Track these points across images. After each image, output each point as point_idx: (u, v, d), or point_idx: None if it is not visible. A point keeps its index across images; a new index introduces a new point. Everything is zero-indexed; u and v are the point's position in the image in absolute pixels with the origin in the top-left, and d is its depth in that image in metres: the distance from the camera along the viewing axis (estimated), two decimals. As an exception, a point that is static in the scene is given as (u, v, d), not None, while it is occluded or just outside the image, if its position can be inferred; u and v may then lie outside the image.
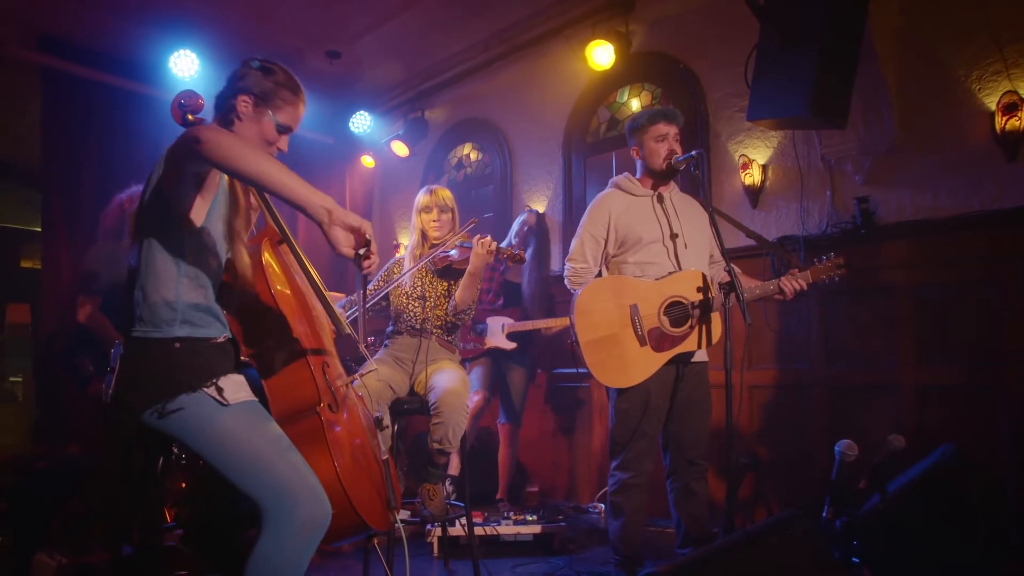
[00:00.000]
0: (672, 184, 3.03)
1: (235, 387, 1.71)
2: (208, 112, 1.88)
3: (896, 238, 3.45)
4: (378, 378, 2.83)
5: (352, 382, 2.04)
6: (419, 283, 3.09)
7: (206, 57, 4.91)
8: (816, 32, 2.88)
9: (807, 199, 3.79)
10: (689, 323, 2.71)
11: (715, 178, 4.20)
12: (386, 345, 3.12)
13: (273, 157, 1.64)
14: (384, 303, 3.11)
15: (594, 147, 4.94)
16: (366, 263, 1.61)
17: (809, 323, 3.72)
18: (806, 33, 2.91)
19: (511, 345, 4.14)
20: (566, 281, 2.99)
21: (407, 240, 3.36)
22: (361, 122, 5.93)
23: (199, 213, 1.76)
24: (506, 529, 3.66)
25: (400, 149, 5.82)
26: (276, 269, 1.90)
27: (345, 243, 1.57)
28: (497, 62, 5.34)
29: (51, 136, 4.79)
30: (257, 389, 1.83)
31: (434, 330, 3.03)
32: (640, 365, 2.71)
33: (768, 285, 2.77)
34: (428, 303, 3.04)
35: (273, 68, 1.88)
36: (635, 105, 4.75)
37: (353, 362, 3.23)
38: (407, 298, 3.07)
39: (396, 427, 2.91)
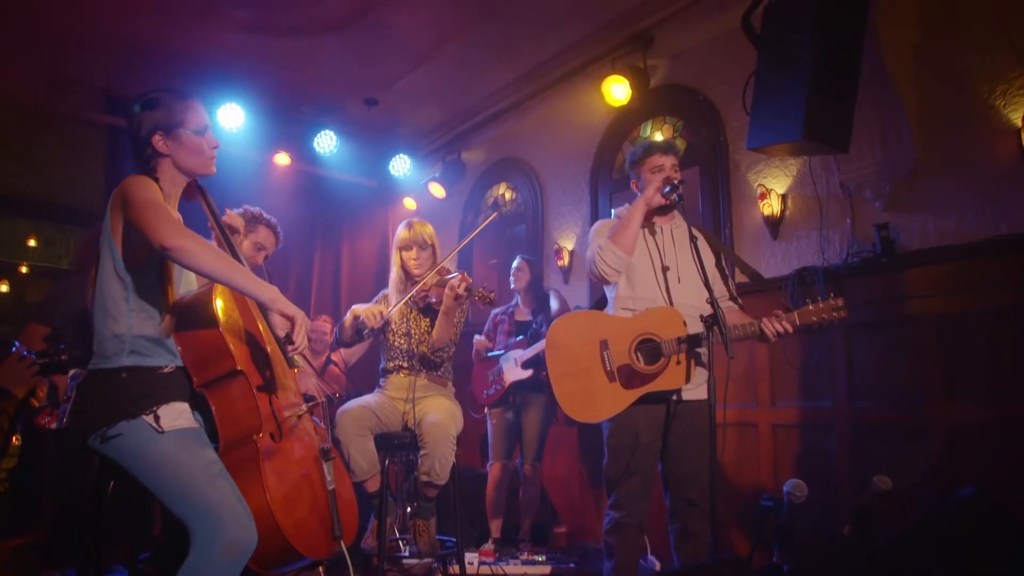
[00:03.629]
0: (675, 216, 2.96)
1: (174, 415, 1.79)
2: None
3: (920, 265, 3.24)
4: (360, 403, 2.87)
5: (301, 414, 2.08)
6: (403, 320, 3.13)
7: (250, 109, 5.24)
8: (806, 55, 2.80)
9: (827, 228, 3.63)
10: (662, 361, 2.61)
11: (735, 209, 4.09)
12: (380, 385, 3.16)
13: (227, 257, 1.82)
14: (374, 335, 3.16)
15: (620, 183, 4.91)
16: (290, 347, 1.89)
17: (833, 357, 3.52)
18: (797, 57, 2.84)
19: (527, 373, 4.12)
20: (595, 274, 2.80)
21: None
22: (401, 166, 6.12)
23: (147, 254, 1.87)
24: (513, 569, 3.60)
25: (437, 191, 5.97)
26: (226, 304, 1.98)
27: (280, 325, 1.90)
28: (527, 102, 5.44)
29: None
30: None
31: (421, 366, 3.06)
32: (608, 401, 2.62)
33: (748, 327, 2.60)
34: (413, 339, 3.08)
35: (153, 97, 1.97)
36: (658, 139, 4.71)
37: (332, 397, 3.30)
38: (393, 335, 3.12)
39: (388, 462, 2.93)
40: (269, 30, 4.68)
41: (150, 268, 1.89)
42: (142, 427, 1.75)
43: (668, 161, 2.86)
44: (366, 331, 3.03)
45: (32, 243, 6.69)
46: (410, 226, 3.16)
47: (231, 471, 1.80)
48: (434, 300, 3.04)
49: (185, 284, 2.03)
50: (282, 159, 5.77)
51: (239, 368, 1.91)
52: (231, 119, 5.16)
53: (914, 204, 3.31)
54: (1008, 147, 3.05)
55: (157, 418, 1.76)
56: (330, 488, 2.00)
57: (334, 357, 5.05)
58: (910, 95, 3.30)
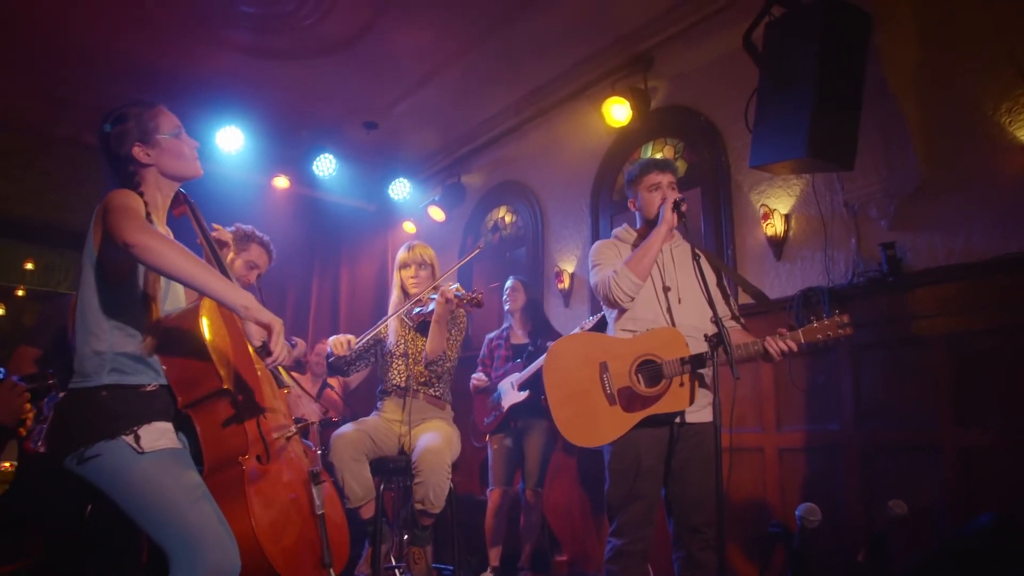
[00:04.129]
0: (675, 235, 2.90)
1: (155, 435, 1.71)
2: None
3: (927, 285, 3.17)
4: (356, 427, 2.80)
5: (290, 436, 2.00)
6: (401, 340, 3.09)
7: (250, 132, 5.22)
8: (809, 72, 2.77)
9: (832, 248, 3.57)
10: (663, 383, 2.53)
11: (737, 230, 4.04)
12: (377, 407, 3.11)
13: (198, 259, 1.70)
14: (373, 359, 3.11)
15: (621, 205, 4.86)
16: (268, 358, 1.71)
17: (840, 379, 3.44)
18: (800, 74, 2.80)
19: (524, 395, 4.04)
20: (608, 298, 2.68)
21: None
22: (400, 189, 6.09)
23: (130, 267, 1.81)
24: (512, 600, 3.46)
25: (436, 214, 5.93)
26: (213, 322, 1.91)
27: (257, 335, 1.75)
28: (527, 124, 5.42)
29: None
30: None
31: (419, 387, 3.00)
32: (608, 425, 2.54)
33: (752, 345, 2.53)
34: (410, 360, 3.04)
35: (120, 112, 1.92)
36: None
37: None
38: (391, 356, 3.08)
39: (382, 487, 2.85)
40: (269, 53, 4.68)
41: (132, 283, 1.82)
42: (121, 447, 1.67)
43: (665, 179, 2.80)
44: (332, 359, 3.02)
45: (29, 266, 6.65)
46: (410, 248, 3.21)
47: (215, 494, 1.72)
48: (428, 313, 3.00)
49: (172, 301, 1.97)
50: (281, 182, 5.75)
51: (225, 387, 1.84)
52: (230, 142, 5.14)
53: (920, 223, 3.25)
54: (1015, 164, 3.00)
55: (137, 438, 1.68)
56: (319, 513, 1.92)
57: (331, 381, 4.96)
58: (913, 113, 3.27)
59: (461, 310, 2.99)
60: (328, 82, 5.05)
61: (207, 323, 1.88)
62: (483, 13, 4.34)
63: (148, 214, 1.87)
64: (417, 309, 3.06)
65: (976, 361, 3.00)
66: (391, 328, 3.11)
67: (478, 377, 4.32)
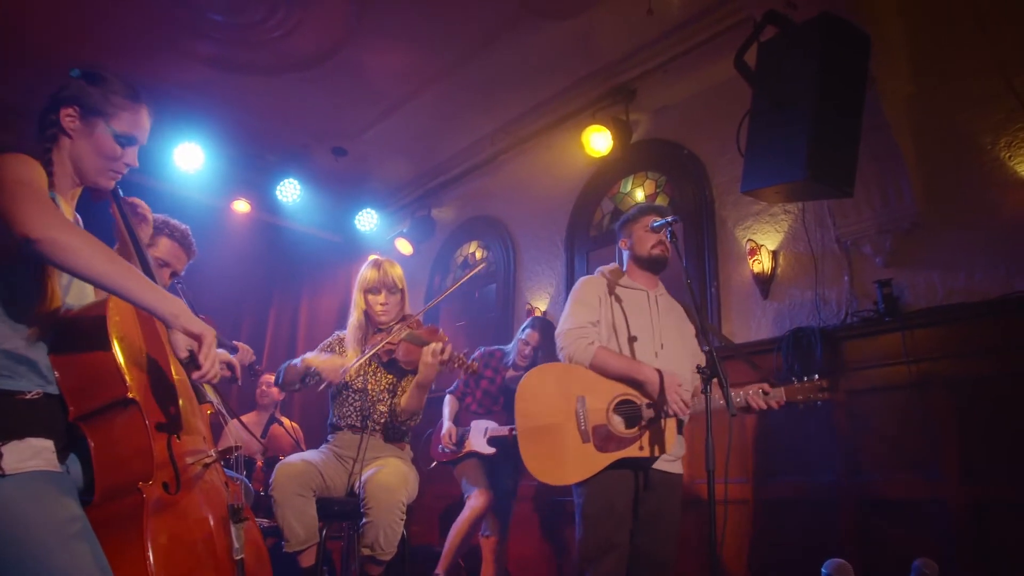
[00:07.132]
0: (659, 283, 2.74)
1: (25, 454, 1.36)
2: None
3: (927, 325, 2.97)
4: (304, 458, 2.45)
5: (208, 463, 1.66)
6: (360, 373, 2.72)
7: (210, 150, 4.93)
8: (807, 91, 2.60)
9: (823, 286, 3.37)
10: (639, 425, 2.34)
11: (722, 267, 3.83)
12: (327, 440, 2.74)
13: (118, 257, 1.44)
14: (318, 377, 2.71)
15: (597, 240, 4.65)
16: (196, 372, 1.49)
17: (832, 427, 3.19)
18: (798, 96, 2.63)
19: (490, 451, 3.71)
20: (562, 353, 2.50)
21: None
22: (368, 220, 5.82)
23: (20, 247, 1.48)
24: (470, 668, 3.07)
25: (404, 247, 5.65)
26: (126, 320, 1.59)
27: (184, 347, 1.54)
28: (502, 156, 5.21)
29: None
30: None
31: (376, 427, 2.65)
32: (578, 463, 2.34)
33: (732, 397, 2.28)
34: (369, 397, 2.68)
35: (102, 74, 1.66)
36: (639, 195, 4.50)
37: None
38: (347, 389, 2.71)
39: (325, 533, 2.48)
40: (235, 66, 4.43)
41: (24, 266, 1.49)
42: None
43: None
44: (313, 381, 2.63)
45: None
46: (378, 265, 2.76)
47: (102, 529, 1.37)
48: (400, 357, 2.64)
49: (77, 294, 1.64)
50: (241, 206, 5.45)
51: (131, 396, 1.50)
52: (189, 160, 4.83)
53: (918, 259, 3.08)
54: (1017, 200, 2.86)
55: (-1, 456, 1.33)
56: (237, 558, 1.57)
57: (280, 417, 4.57)
58: (909, 146, 3.13)
59: None
60: (296, 102, 4.80)
61: (117, 320, 1.56)
62: (461, 38, 4.16)
63: (53, 196, 1.57)
64: (388, 346, 2.65)
65: (981, 407, 2.78)
66: (355, 362, 2.70)
67: (447, 449, 3.89)
